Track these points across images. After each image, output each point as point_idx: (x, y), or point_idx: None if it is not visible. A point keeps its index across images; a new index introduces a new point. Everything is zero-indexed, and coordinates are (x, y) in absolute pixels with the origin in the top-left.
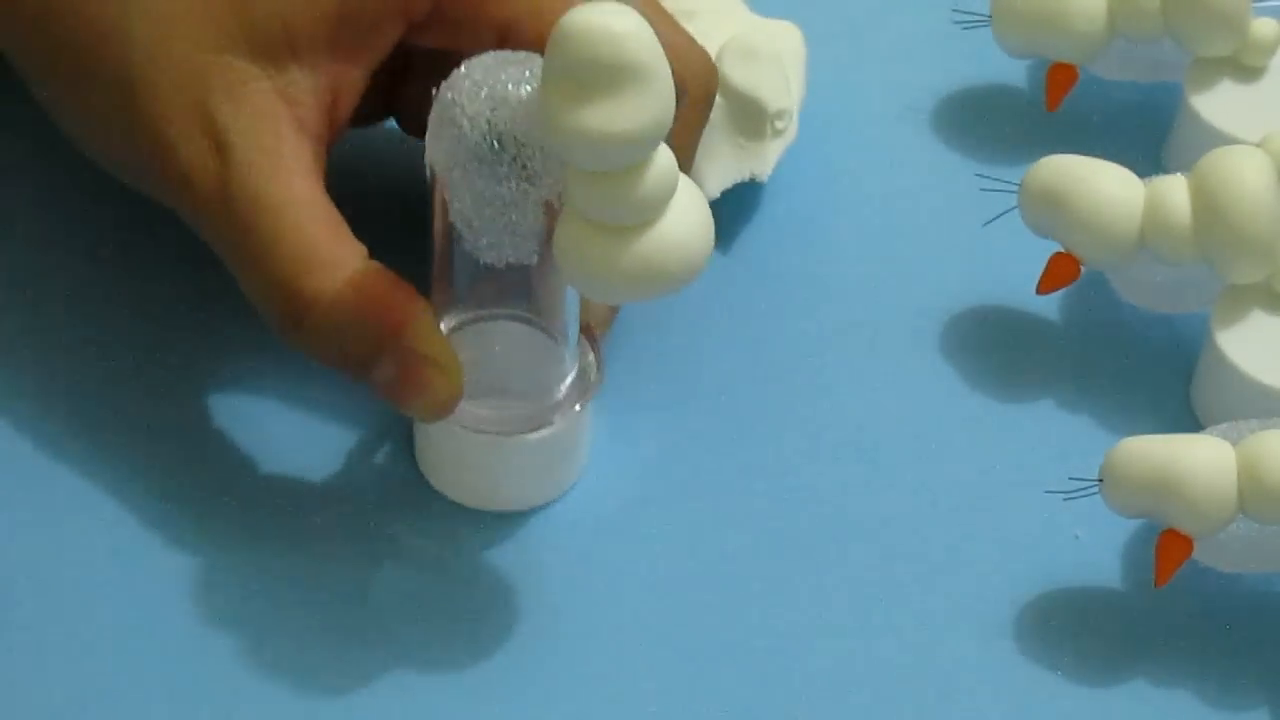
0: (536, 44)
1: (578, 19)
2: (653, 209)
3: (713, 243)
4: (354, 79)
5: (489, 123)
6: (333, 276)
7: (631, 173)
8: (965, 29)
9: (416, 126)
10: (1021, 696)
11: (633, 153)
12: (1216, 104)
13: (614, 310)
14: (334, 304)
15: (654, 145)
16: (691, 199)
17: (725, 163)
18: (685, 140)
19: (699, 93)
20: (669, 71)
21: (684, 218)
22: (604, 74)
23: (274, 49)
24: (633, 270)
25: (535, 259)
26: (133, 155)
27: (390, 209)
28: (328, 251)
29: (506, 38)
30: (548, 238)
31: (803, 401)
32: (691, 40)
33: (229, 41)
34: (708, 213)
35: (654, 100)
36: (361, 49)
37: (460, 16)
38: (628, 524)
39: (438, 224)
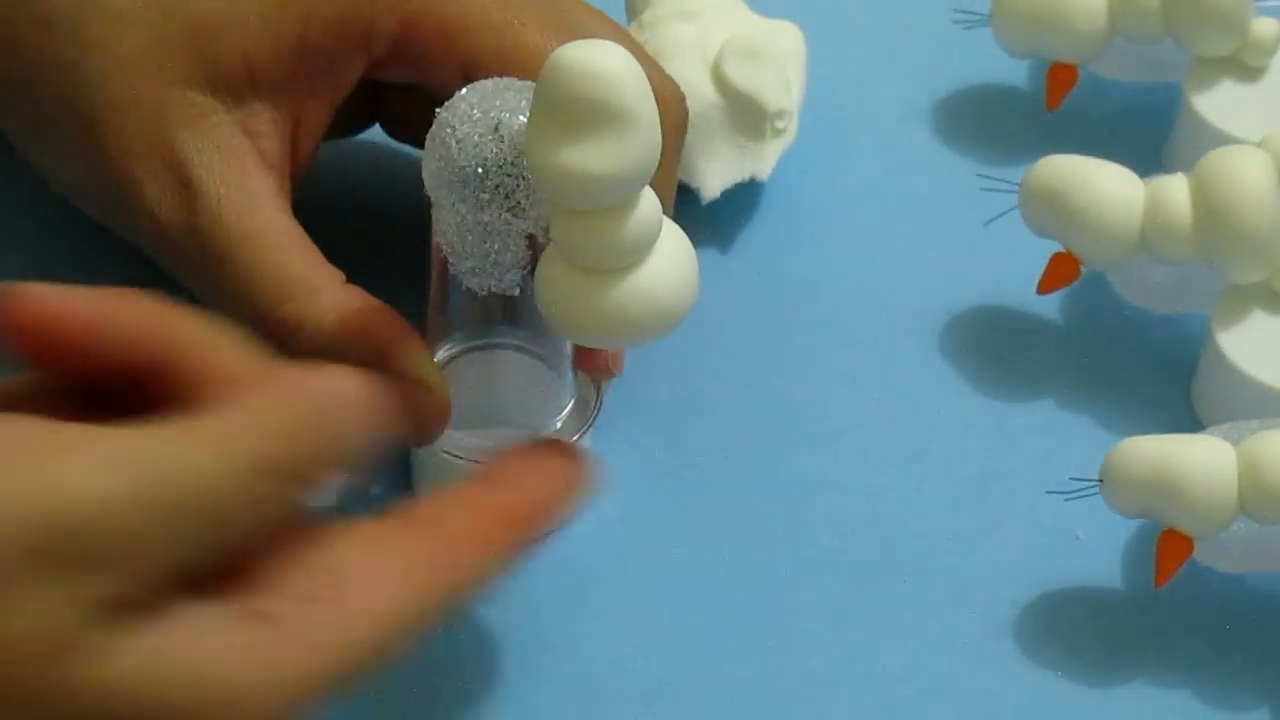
0: None
1: (569, 55)
2: (634, 253)
3: (696, 292)
4: (315, 111)
5: (476, 147)
6: (314, 302)
7: (613, 214)
8: (965, 29)
9: (401, 131)
10: (1021, 696)
11: (615, 193)
12: (1216, 104)
13: (619, 356)
14: (317, 329)
15: (637, 187)
16: (676, 246)
17: (725, 163)
18: (664, 178)
19: (673, 120)
20: (656, 114)
21: (666, 265)
22: (591, 112)
23: (234, 83)
24: (610, 315)
25: (518, 290)
26: (98, 191)
27: (393, 231)
28: (306, 278)
29: (470, 76)
30: (533, 270)
31: (802, 402)
32: (661, 70)
33: (189, 77)
34: (693, 261)
35: (639, 142)
36: (322, 83)
37: (422, 54)
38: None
39: (434, 246)
